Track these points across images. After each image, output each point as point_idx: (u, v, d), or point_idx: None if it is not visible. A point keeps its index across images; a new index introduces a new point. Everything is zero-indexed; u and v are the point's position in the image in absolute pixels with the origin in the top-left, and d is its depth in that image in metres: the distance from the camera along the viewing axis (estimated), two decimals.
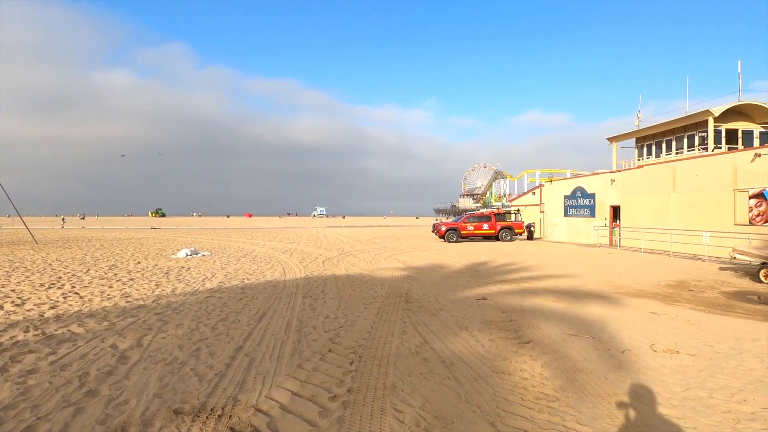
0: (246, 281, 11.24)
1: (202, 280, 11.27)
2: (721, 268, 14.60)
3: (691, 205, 19.48)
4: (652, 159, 27.65)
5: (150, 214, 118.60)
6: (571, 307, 8.32)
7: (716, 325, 7.05)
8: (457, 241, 27.74)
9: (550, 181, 32.41)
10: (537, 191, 36.18)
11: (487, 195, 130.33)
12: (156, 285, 10.45)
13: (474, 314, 7.56)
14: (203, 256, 18.10)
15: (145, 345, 5.57)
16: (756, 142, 24.34)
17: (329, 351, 5.42)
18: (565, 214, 29.66)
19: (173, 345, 5.59)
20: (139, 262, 15.49)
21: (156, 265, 14.72)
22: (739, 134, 24.68)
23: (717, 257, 17.19)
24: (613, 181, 24.90)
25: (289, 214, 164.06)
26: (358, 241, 27.72)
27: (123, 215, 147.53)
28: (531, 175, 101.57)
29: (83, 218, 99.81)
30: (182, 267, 14.13)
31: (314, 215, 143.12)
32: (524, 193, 41.67)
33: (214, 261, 16.16)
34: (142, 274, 12.47)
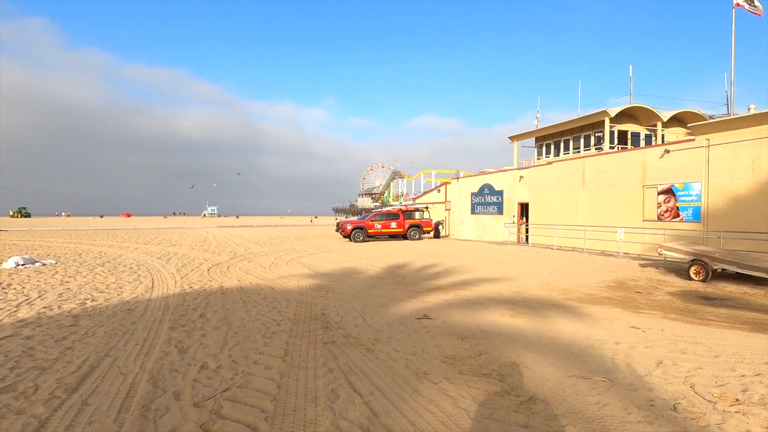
0: (88, 303, 7.86)
1: (17, 305, 7.65)
2: (641, 265, 14.18)
3: (599, 202, 19.43)
4: (551, 157, 28.10)
5: (11, 213, 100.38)
6: (536, 324, 6.47)
7: (723, 343, 5.60)
8: (363, 241, 25.69)
9: (457, 178, 31.77)
10: (442, 189, 35.53)
11: (386, 194, 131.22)
12: None
13: (425, 346, 5.32)
14: (43, 265, 13.78)
15: None
16: (642, 143, 25.65)
17: None
18: (473, 212, 29.07)
19: None
20: None
21: None
22: (629, 135, 25.80)
23: (626, 253, 17.08)
24: (521, 177, 24.58)
25: (175, 214, 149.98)
26: (254, 242, 24.34)
27: None
28: (427, 176, 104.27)
29: None
30: None
31: (204, 215, 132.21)
32: (429, 191, 41.04)
33: (55, 272, 12.12)
34: None
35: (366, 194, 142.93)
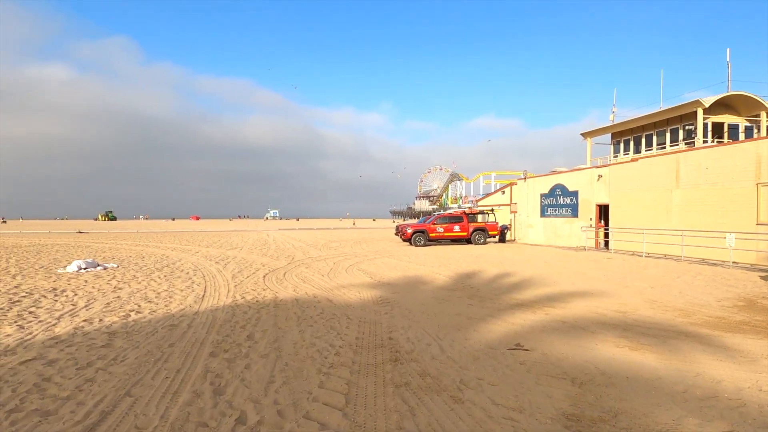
0: (132, 316, 7.14)
1: (59, 317, 7.06)
2: (762, 278, 11.82)
3: (698, 203, 16.90)
4: (631, 155, 25.46)
5: (100, 217, 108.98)
6: (671, 362, 4.88)
7: None
8: (424, 245, 24.35)
9: (524, 178, 29.64)
10: (507, 190, 33.53)
11: (444, 197, 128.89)
12: None
13: (532, 396, 3.94)
14: (104, 269, 13.63)
15: None
16: (741, 136, 22.49)
17: None
18: (542, 214, 26.90)
19: None
20: None
21: (17, 286, 10.23)
22: (725, 128, 22.75)
23: (736, 262, 14.57)
24: (600, 176, 22.24)
25: (240, 217, 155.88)
26: (313, 246, 23.72)
27: (55, 218, 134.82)
28: (486, 177, 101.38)
29: (4, 221, 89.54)
30: (52, 290, 9.75)
31: (267, 218, 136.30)
32: (492, 193, 39.02)
33: (113, 277, 11.80)
34: None
35: (423, 197, 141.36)
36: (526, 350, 5.28)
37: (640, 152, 25.05)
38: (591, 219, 22.67)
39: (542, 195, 26.85)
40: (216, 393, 3.97)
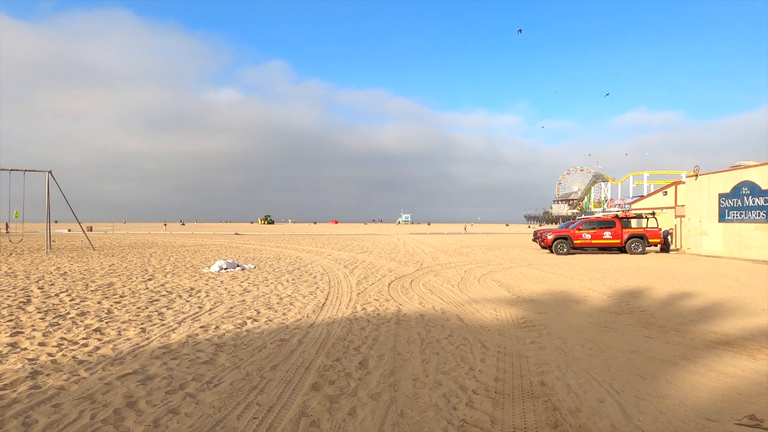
0: (248, 324, 6.69)
1: (182, 320, 6.91)
2: None
3: None
4: None
5: (259, 220, 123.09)
6: None
7: None
8: (568, 253, 21.60)
9: (695, 175, 24.76)
10: (670, 190, 28.65)
11: (585, 200, 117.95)
12: (94, 332, 6.25)
13: None
14: (242, 269, 14.13)
15: None
16: None
17: None
18: (721, 219, 22.05)
19: None
20: (150, 278, 11.80)
21: (163, 284, 10.84)
22: None
23: None
24: None
25: (374, 221, 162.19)
26: (442, 252, 22.55)
27: (222, 221, 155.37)
28: (638, 178, 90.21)
29: (183, 224, 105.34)
30: (190, 289, 10.04)
31: (399, 222, 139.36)
32: (650, 194, 33.85)
33: (246, 279, 12.02)
34: (119, 301, 8.50)
35: (562, 200, 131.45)
36: (765, 429, 3.38)
37: None
38: None
39: (721, 195, 22.04)
40: None
